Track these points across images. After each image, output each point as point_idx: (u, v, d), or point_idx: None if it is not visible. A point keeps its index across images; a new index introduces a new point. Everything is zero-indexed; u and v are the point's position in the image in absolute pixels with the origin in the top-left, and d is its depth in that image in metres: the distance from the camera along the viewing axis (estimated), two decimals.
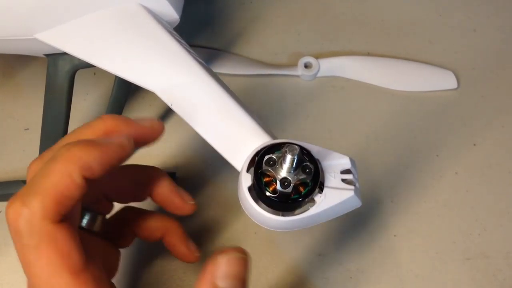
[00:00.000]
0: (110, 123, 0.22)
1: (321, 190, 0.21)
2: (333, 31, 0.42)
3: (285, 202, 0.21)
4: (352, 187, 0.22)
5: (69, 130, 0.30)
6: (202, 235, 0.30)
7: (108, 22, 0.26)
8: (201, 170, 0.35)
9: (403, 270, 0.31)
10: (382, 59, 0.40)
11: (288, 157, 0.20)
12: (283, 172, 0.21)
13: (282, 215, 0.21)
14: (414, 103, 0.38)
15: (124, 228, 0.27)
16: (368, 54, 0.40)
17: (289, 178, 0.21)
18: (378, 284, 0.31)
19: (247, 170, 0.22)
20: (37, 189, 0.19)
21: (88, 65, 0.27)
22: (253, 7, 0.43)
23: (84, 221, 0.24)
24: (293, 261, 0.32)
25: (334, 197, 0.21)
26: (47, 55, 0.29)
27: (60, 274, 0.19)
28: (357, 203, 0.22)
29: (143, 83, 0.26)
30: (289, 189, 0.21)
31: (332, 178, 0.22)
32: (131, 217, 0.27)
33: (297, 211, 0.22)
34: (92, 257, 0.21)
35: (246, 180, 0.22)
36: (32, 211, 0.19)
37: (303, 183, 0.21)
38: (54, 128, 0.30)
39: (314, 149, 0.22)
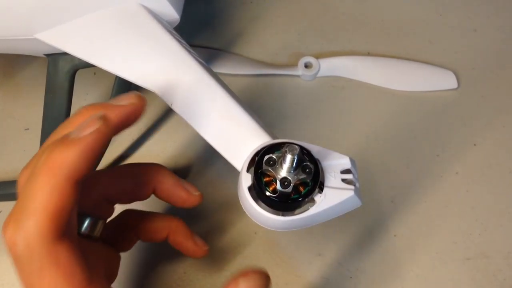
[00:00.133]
0: (87, 113, 0.20)
1: (321, 190, 0.21)
2: (333, 31, 0.42)
3: (285, 202, 0.21)
4: (352, 187, 0.22)
5: None
6: (202, 236, 0.29)
7: (108, 22, 0.26)
8: (201, 170, 0.35)
9: (403, 270, 0.31)
10: (382, 59, 0.40)
11: (288, 157, 0.20)
12: (283, 172, 0.21)
13: (282, 215, 0.21)
14: (414, 103, 0.38)
15: (126, 232, 0.26)
16: (368, 54, 0.40)
17: (289, 178, 0.21)
18: (378, 284, 0.31)
19: (247, 170, 0.22)
20: (29, 209, 0.18)
21: (88, 65, 0.27)
22: (253, 7, 0.43)
23: (85, 227, 0.23)
24: (293, 261, 0.32)
25: (334, 197, 0.21)
26: (47, 55, 0.29)
27: None
28: (357, 203, 0.22)
29: (143, 83, 0.26)
30: (289, 189, 0.21)
31: (332, 178, 0.22)
32: (132, 220, 0.27)
33: (297, 211, 0.22)
34: (94, 266, 0.20)
35: (246, 180, 0.22)
36: (28, 235, 0.18)
37: (303, 183, 0.21)
38: (54, 128, 0.30)
39: (314, 149, 0.22)
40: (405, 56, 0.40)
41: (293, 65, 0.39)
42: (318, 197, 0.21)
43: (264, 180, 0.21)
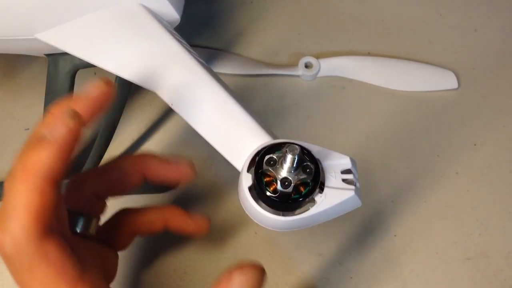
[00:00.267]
0: (59, 111, 0.20)
1: (321, 190, 0.21)
2: (333, 31, 0.42)
3: (286, 202, 0.21)
4: (353, 187, 0.22)
5: None
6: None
7: (108, 22, 0.26)
8: (201, 170, 0.35)
9: (403, 270, 0.31)
10: (383, 59, 0.40)
11: (289, 157, 0.20)
12: (284, 172, 0.21)
13: (283, 215, 0.21)
14: (414, 103, 0.38)
15: (122, 229, 0.26)
16: (369, 54, 0.40)
17: (290, 178, 0.21)
18: (379, 284, 0.31)
19: (248, 170, 0.22)
20: (11, 211, 0.18)
21: (89, 65, 0.27)
22: (253, 7, 0.43)
23: (79, 226, 0.24)
24: (293, 261, 0.32)
25: (334, 197, 0.21)
26: (48, 55, 0.29)
27: None
28: (357, 203, 0.22)
29: (143, 83, 0.26)
30: (290, 189, 0.21)
31: (333, 178, 0.22)
32: (128, 217, 0.27)
33: (298, 211, 0.22)
34: (88, 263, 0.20)
35: (246, 180, 0.22)
36: (14, 235, 0.18)
37: (303, 183, 0.21)
38: None
39: (314, 149, 0.22)
40: (405, 56, 0.40)
41: (293, 65, 0.39)
42: (318, 197, 0.21)
43: (265, 180, 0.21)
